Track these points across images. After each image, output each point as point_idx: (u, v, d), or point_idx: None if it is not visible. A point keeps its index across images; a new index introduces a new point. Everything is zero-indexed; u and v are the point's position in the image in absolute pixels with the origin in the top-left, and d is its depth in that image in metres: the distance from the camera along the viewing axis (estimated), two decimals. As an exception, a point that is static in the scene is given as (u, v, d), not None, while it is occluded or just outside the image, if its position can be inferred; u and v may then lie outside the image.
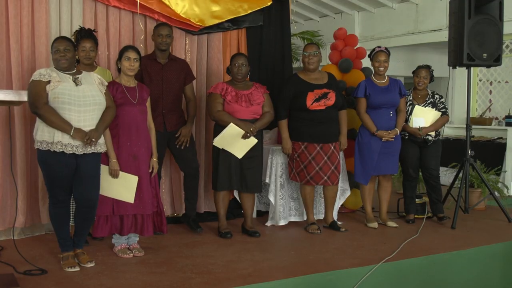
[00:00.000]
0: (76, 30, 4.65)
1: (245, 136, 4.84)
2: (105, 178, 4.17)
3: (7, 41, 4.66)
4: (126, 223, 4.28)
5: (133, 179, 4.25)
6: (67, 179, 3.87)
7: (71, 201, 4.09)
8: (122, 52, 4.33)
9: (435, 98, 5.61)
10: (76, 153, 3.81)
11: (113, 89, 4.25)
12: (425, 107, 5.53)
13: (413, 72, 5.66)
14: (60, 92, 3.74)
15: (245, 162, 4.93)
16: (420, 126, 5.45)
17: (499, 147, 7.91)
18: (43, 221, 4.83)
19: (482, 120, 8.73)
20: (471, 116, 6.06)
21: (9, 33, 4.64)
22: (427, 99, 5.60)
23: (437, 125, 5.54)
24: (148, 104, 4.44)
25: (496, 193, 6.11)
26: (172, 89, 5.00)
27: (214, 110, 4.89)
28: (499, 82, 9.02)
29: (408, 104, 5.55)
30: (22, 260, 3.92)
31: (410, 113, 5.51)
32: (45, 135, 3.76)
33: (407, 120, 5.50)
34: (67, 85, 3.80)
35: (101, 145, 3.97)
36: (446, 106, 5.68)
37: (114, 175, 4.19)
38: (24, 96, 3.26)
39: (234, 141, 4.85)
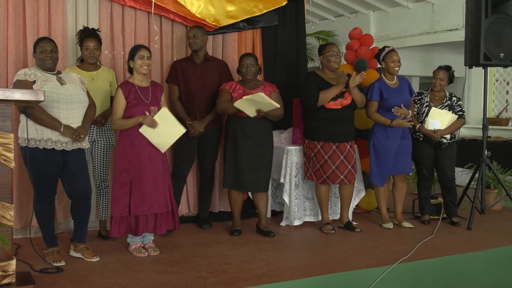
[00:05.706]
0: (80, 30, 4.71)
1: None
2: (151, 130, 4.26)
3: (24, 42, 4.72)
4: (141, 223, 4.30)
5: (181, 130, 4.34)
6: (54, 175, 4.02)
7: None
8: (134, 51, 4.35)
9: (453, 100, 5.55)
10: (66, 149, 3.97)
11: (125, 89, 4.28)
12: (441, 109, 5.47)
13: (433, 72, 5.62)
14: (48, 91, 3.86)
15: (252, 161, 4.95)
16: (436, 129, 5.41)
17: (515, 148, 7.83)
18: (59, 220, 4.89)
19: (498, 121, 8.65)
20: (487, 116, 6.00)
21: (26, 33, 4.71)
22: (444, 101, 5.53)
23: (453, 129, 5.47)
24: (162, 102, 4.48)
25: (512, 194, 6.04)
26: (204, 89, 5.10)
27: (218, 102, 4.98)
28: (515, 82, 8.94)
29: (424, 105, 5.50)
30: (39, 258, 3.96)
31: (426, 115, 5.44)
32: (33, 133, 3.89)
33: (422, 122, 5.46)
34: (53, 84, 3.96)
35: (85, 141, 4.12)
36: (463, 109, 5.60)
37: (153, 125, 4.22)
38: (41, 96, 3.30)
39: (253, 106, 4.82)
